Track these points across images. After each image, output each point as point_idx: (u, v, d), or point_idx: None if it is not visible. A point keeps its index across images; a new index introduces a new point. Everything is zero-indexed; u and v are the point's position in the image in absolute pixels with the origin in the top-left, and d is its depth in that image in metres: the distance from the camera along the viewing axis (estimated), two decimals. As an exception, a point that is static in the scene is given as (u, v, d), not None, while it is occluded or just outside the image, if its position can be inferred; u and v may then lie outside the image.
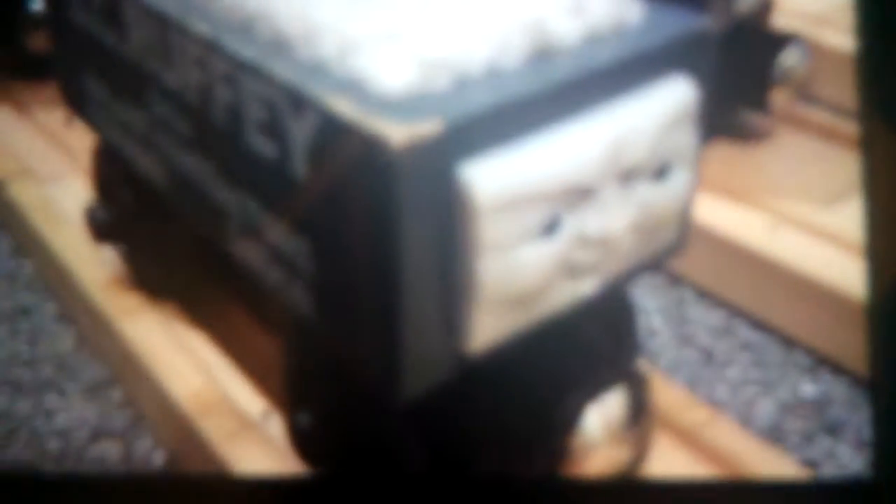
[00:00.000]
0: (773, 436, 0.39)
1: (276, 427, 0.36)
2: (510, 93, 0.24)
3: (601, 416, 0.29)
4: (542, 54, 0.26)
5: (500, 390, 0.29)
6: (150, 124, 0.34)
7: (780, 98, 0.51)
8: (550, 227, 0.25)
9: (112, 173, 0.41)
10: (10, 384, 0.44)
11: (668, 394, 0.38)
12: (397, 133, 0.22)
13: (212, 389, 0.39)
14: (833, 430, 0.40)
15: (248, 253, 0.30)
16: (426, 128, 0.23)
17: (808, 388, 0.42)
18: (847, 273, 0.42)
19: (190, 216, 0.34)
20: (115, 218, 0.42)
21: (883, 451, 0.32)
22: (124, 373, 0.43)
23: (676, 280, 0.48)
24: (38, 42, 0.59)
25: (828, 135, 0.53)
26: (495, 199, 0.24)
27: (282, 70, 0.26)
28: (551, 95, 0.25)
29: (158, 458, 0.39)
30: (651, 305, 0.46)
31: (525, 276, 0.25)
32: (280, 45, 0.27)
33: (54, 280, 0.49)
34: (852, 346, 0.39)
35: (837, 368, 0.42)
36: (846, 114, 0.54)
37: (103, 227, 0.42)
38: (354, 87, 0.24)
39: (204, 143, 0.31)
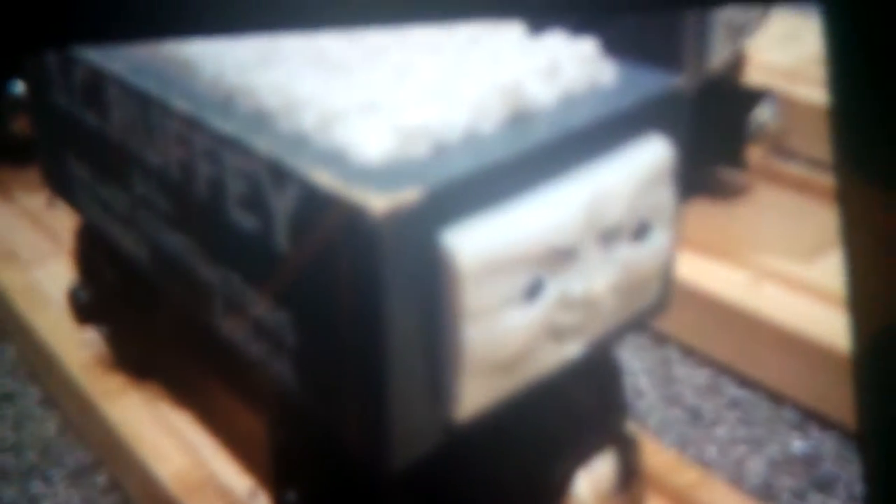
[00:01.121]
0: (765, 494, 0.39)
1: (263, 504, 0.35)
2: (489, 157, 0.24)
3: (591, 481, 0.28)
4: (519, 118, 0.26)
5: (489, 457, 0.28)
6: (132, 203, 0.34)
7: (755, 153, 0.51)
8: (533, 291, 0.25)
9: (95, 254, 0.41)
10: (-6, 471, 0.43)
11: (657, 456, 0.38)
12: (378, 201, 0.22)
13: (198, 469, 0.38)
14: (824, 486, 0.39)
15: (232, 328, 0.30)
16: (406, 195, 0.23)
17: (798, 444, 0.41)
18: (831, 326, 0.42)
19: (173, 294, 0.34)
20: (98, 298, 0.42)
21: (876, 505, 0.32)
22: (109, 456, 0.42)
23: (661, 339, 0.48)
24: (20, 125, 0.59)
25: (805, 188, 0.54)
26: (478, 264, 0.24)
27: (262, 143, 0.26)
28: (529, 158, 0.25)
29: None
30: (637, 366, 0.46)
31: (510, 340, 0.25)
32: (261, 119, 0.27)
33: (38, 364, 0.48)
34: (840, 400, 0.39)
35: (826, 423, 0.42)
36: (822, 167, 0.54)
37: (86, 308, 0.42)
38: (335, 158, 0.24)
39: (186, 219, 0.30)
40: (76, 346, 0.45)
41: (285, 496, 0.32)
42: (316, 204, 0.24)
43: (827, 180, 0.49)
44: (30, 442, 0.44)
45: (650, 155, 0.27)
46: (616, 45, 0.29)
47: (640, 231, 0.27)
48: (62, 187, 0.40)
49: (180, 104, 0.29)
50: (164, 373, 0.43)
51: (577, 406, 0.30)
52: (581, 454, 0.28)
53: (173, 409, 0.41)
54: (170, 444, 0.39)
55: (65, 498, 0.41)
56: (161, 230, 0.32)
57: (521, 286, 0.25)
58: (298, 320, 0.26)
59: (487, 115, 0.26)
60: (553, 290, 0.25)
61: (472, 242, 0.24)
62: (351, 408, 0.25)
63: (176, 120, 0.29)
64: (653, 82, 0.28)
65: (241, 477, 0.37)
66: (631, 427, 0.32)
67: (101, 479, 0.42)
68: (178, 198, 0.30)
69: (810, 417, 0.43)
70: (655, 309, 0.30)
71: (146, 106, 0.30)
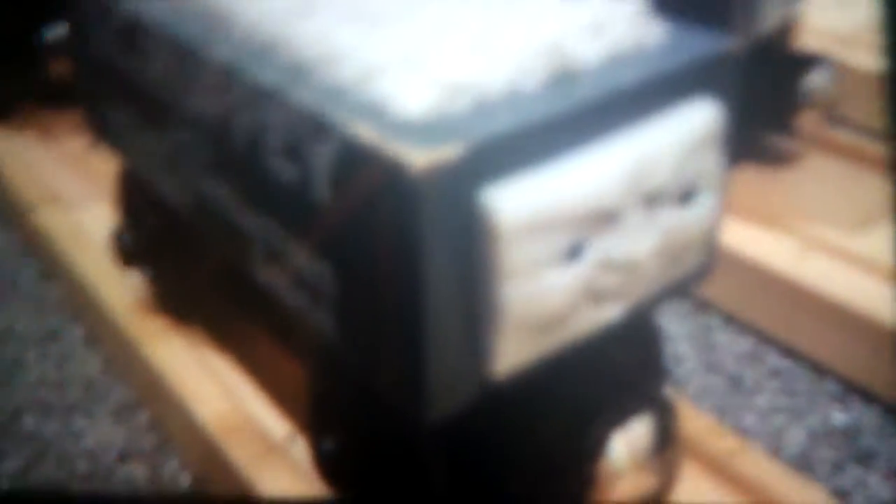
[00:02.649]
0: (803, 465, 0.39)
1: (301, 450, 0.36)
2: (531, 115, 0.24)
3: (628, 444, 0.28)
4: (563, 76, 0.26)
5: (526, 416, 0.28)
6: (172, 150, 0.34)
7: (806, 120, 0.50)
8: (574, 252, 0.25)
9: (137, 198, 0.41)
10: (40, 406, 0.44)
11: (695, 422, 0.38)
12: (418, 157, 0.22)
13: (237, 413, 0.39)
14: (864, 459, 0.39)
15: (272, 277, 0.30)
16: (447, 151, 0.22)
17: (839, 417, 0.41)
18: (878, 299, 0.41)
19: (213, 241, 0.34)
20: (141, 242, 0.42)
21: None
22: (151, 395, 0.43)
23: (703, 306, 0.47)
24: (61, 69, 0.59)
25: (856, 157, 0.52)
26: (518, 223, 0.23)
27: (301, 96, 0.25)
28: (573, 118, 0.24)
29: (185, 480, 0.39)
30: (677, 331, 0.46)
31: (549, 301, 0.25)
32: (299, 70, 0.27)
33: (81, 304, 0.49)
34: (883, 374, 0.38)
35: (868, 396, 0.41)
36: (875, 135, 0.53)
37: (129, 251, 0.42)
38: (374, 112, 0.24)
39: (226, 167, 0.30)
40: (119, 288, 0.45)
41: (323, 443, 0.32)
42: (355, 157, 0.24)
43: (880, 150, 0.48)
44: (73, 379, 0.45)
45: (697, 118, 0.27)
46: (664, 5, 0.28)
47: (686, 196, 0.27)
48: (103, 132, 0.40)
49: (218, 53, 0.29)
50: (205, 317, 0.43)
51: (616, 369, 0.30)
52: (618, 417, 0.28)
53: (214, 353, 0.42)
54: (210, 387, 0.40)
55: (107, 434, 0.42)
56: (201, 177, 0.32)
57: (561, 247, 0.24)
58: (338, 272, 0.26)
59: (530, 72, 0.25)
60: (594, 252, 0.25)
61: (513, 201, 0.23)
62: (389, 360, 0.25)
63: (214, 69, 0.29)
64: (701, 44, 0.27)
65: (279, 421, 0.38)
66: (670, 392, 0.32)
67: (142, 417, 0.43)
68: (217, 146, 0.30)
69: (852, 390, 0.42)
70: (699, 275, 0.29)
71: (184, 54, 0.30)
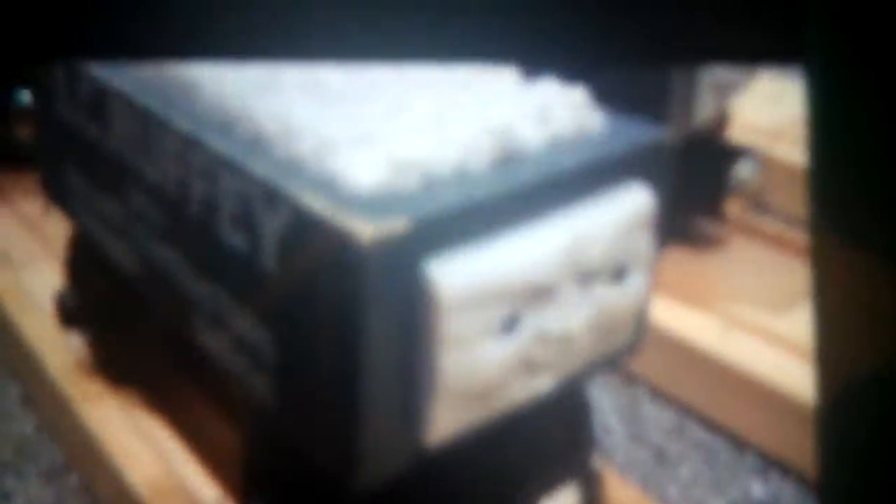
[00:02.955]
0: (724, 537, 0.39)
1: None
2: (476, 194, 0.25)
3: (556, 513, 0.28)
4: (508, 158, 0.27)
5: (455, 483, 0.28)
6: (126, 215, 0.34)
7: (733, 207, 0.53)
8: (510, 325, 0.25)
9: (85, 261, 0.41)
10: (-32, 466, 0.42)
11: (620, 492, 0.38)
12: (366, 229, 0.23)
13: (168, 476, 0.38)
14: (783, 532, 0.40)
15: (214, 342, 0.30)
16: (394, 225, 0.23)
17: (758, 490, 0.42)
18: (797, 377, 0.42)
19: (159, 305, 0.34)
20: (85, 305, 0.42)
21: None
22: (83, 458, 0.42)
23: (631, 379, 0.48)
24: (24, 133, 0.60)
25: (779, 243, 0.55)
26: (459, 295, 0.24)
27: (258, 166, 0.26)
28: (515, 198, 0.25)
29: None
30: (606, 404, 0.46)
31: (484, 371, 0.25)
32: (257, 143, 0.28)
33: (20, 364, 0.48)
34: (801, 449, 0.39)
35: (786, 470, 0.42)
36: (797, 223, 0.55)
37: (72, 312, 0.42)
38: (327, 185, 0.25)
39: (178, 234, 0.31)
40: (59, 349, 0.45)
41: (254, 508, 0.32)
42: (305, 227, 0.24)
43: (802, 237, 0.50)
44: (6, 438, 0.44)
45: (632, 202, 0.28)
46: (606, 96, 0.30)
47: (618, 274, 0.28)
48: (59, 195, 0.40)
49: (181, 123, 0.29)
50: (142, 381, 0.43)
51: (546, 439, 0.30)
52: (547, 486, 0.28)
53: (148, 417, 0.41)
54: (143, 451, 0.39)
55: (37, 495, 0.41)
56: (152, 243, 0.32)
57: (499, 319, 0.25)
58: (279, 338, 0.27)
59: (477, 153, 0.26)
60: (530, 325, 0.26)
61: (455, 274, 0.24)
62: (325, 425, 0.26)
63: (175, 138, 0.29)
64: (639, 132, 0.29)
65: (210, 486, 0.38)
66: (597, 462, 0.32)
67: (73, 479, 0.42)
68: (171, 213, 0.31)
69: (771, 464, 0.43)
70: (628, 350, 0.30)
71: (147, 123, 0.31)
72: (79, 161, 0.37)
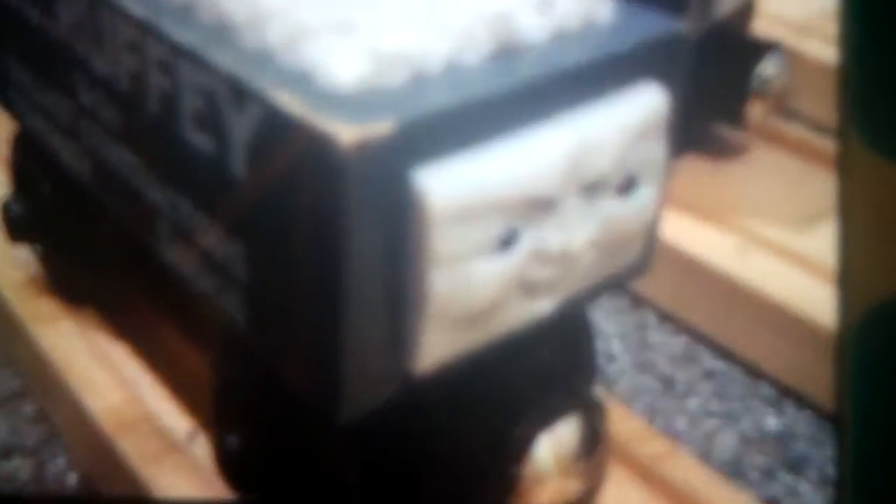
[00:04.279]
0: (733, 471, 0.40)
1: (202, 449, 0.36)
2: (470, 93, 0.24)
3: (554, 445, 0.29)
4: (506, 51, 0.26)
5: (447, 414, 0.29)
6: (75, 113, 0.33)
7: (756, 111, 0.51)
8: (507, 241, 0.25)
9: (32, 164, 0.41)
10: (-88, 394, 0.43)
11: (624, 424, 0.38)
12: (347, 132, 0.22)
13: (133, 406, 0.38)
14: (795, 466, 0.40)
15: (179, 256, 0.30)
16: (378, 127, 0.22)
17: (772, 422, 0.42)
18: (818, 301, 0.42)
19: (116, 214, 0.34)
20: (34, 214, 0.41)
21: (846, 490, 0.33)
22: (38, 384, 0.42)
23: (638, 303, 0.48)
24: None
25: (805, 153, 0.54)
26: (450, 207, 0.24)
27: (223, 58, 0.25)
28: (514, 97, 0.25)
29: (73, 479, 0.39)
30: (611, 329, 0.47)
31: (479, 291, 0.25)
32: (223, 32, 0.26)
33: (-36, 281, 0.48)
34: (818, 379, 0.39)
35: (802, 401, 0.43)
36: (825, 131, 0.55)
37: (20, 223, 0.42)
38: (302, 80, 0.24)
39: (134, 135, 0.30)
40: (7, 266, 0.44)
41: (226, 440, 0.32)
42: (278, 128, 0.24)
43: (830, 146, 0.50)
44: (-48, 364, 0.44)
45: (644, 104, 0.27)
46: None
47: (627, 185, 0.27)
48: (1, 91, 0.39)
49: (134, 8, 0.28)
50: (101, 300, 0.42)
51: (544, 366, 0.30)
52: (545, 416, 0.28)
53: (109, 340, 0.41)
54: (104, 377, 0.39)
55: (-12, 426, 0.41)
56: (106, 144, 0.32)
57: (494, 235, 0.25)
58: (252, 253, 0.26)
59: (472, 45, 0.25)
60: (528, 241, 0.25)
61: (446, 183, 0.23)
62: (303, 351, 0.25)
63: (128, 25, 0.28)
64: (653, 25, 0.28)
65: (179, 417, 0.38)
66: (599, 392, 0.32)
67: (28, 407, 0.42)
68: (126, 110, 0.30)
69: (786, 394, 0.43)
70: (636, 270, 0.30)
71: (96, 7, 0.30)
72: (20, 51, 0.36)
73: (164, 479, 0.35)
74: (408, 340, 0.25)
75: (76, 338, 0.41)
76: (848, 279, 0.25)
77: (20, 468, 0.39)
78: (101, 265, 0.41)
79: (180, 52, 0.26)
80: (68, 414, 0.40)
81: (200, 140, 0.27)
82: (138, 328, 0.42)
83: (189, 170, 0.28)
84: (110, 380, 0.40)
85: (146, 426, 0.37)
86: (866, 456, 0.31)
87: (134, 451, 0.37)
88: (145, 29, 0.28)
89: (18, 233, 0.42)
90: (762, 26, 0.55)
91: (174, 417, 0.38)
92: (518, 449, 0.28)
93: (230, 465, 0.32)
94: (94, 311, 0.42)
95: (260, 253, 0.26)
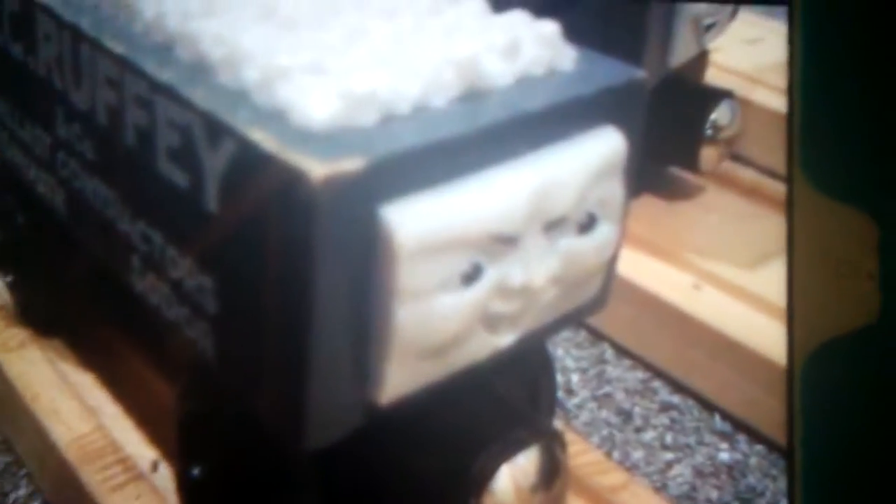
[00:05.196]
0: (688, 502, 0.40)
1: (165, 479, 0.35)
2: (438, 133, 0.24)
3: (513, 477, 0.29)
4: (473, 95, 0.26)
5: (409, 445, 0.29)
6: (52, 145, 0.33)
7: (709, 155, 0.52)
8: (471, 276, 0.25)
9: (6, 194, 0.40)
10: None
11: (583, 456, 0.39)
12: (317, 167, 0.22)
13: (98, 435, 0.38)
14: (747, 499, 0.41)
15: (149, 287, 0.29)
16: (348, 164, 0.23)
17: (725, 455, 0.43)
18: (768, 336, 0.43)
19: (88, 246, 0.33)
20: (6, 242, 0.41)
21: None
22: (3, 413, 0.41)
23: (597, 337, 0.49)
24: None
25: (756, 195, 0.55)
26: (417, 242, 0.24)
27: (199, 95, 0.26)
28: (480, 138, 0.25)
29: (36, 508, 0.38)
30: (570, 363, 0.47)
31: (443, 325, 0.25)
32: (200, 70, 0.27)
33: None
34: (770, 412, 0.40)
35: (755, 435, 0.43)
36: (774, 175, 0.56)
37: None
38: (275, 118, 0.24)
39: (110, 168, 0.30)
40: (-25, 293, 0.44)
41: (190, 471, 0.32)
42: (251, 164, 0.24)
43: (779, 189, 0.51)
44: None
45: (603, 147, 0.28)
46: (578, 32, 0.29)
47: (587, 224, 0.28)
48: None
49: (114, 45, 0.28)
50: (69, 329, 0.42)
51: (505, 399, 0.31)
52: (505, 448, 0.29)
53: (76, 369, 0.41)
54: (70, 406, 0.39)
55: (-51, 455, 0.40)
56: (82, 177, 0.32)
57: (459, 270, 0.25)
58: (222, 286, 0.26)
59: (440, 88, 0.26)
60: (491, 276, 0.26)
61: (413, 220, 0.24)
62: (269, 382, 0.25)
63: (108, 61, 0.29)
64: (613, 72, 0.29)
65: (144, 447, 0.37)
66: (559, 425, 0.33)
67: (-8, 436, 0.42)
68: (102, 144, 0.30)
69: (739, 428, 0.44)
70: (595, 305, 0.30)
71: (77, 43, 0.30)
72: (1, 83, 0.36)
73: (128, 508, 0.35)
74: (373, 372, 0.25)
75: (43, 366, 0.41)
76: (795, 317, 0.25)
77: (-18, 497, 0.39)
78: (71, 295, 0.41)
79: (158, 88, 0.27)
80: (33, 442, 0.39)
81: (174, 174, 0.27)
82: (105, 358, 0.41)
83: (162, 203, 0.28)
84: (76, 409, 0.39)
85: (111, 456, 0.37)
86: (815, 488, 0.31)
87: (98, 480, 0.36)
88: (124, 65, 0.28)
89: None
90: (714, 76, 0.57)
91: (139, 447, 0.37)
92: (478, 480, 0.28)
93: (193, 495, 0.32)
94: (62, 340, 0.42)
95: (229, 285, 0.26)
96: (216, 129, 0.25)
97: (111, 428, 0.38)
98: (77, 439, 0.38)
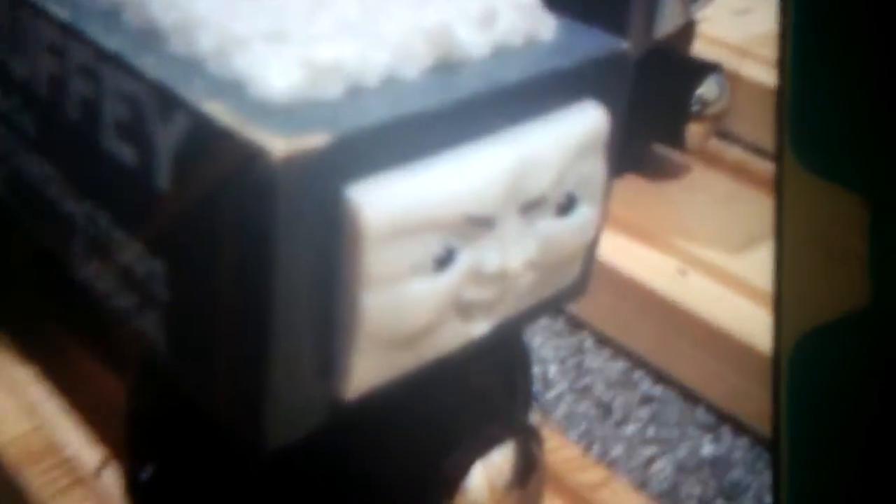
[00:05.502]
0: (670, 499, 0.41)
1: (112, 481, 0.35)
2: (408, 107, 0.24)
3: (488, 474, 0.29)
4: (445, 66, 0.26)
5: (378, 441, 0.29)
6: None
7: (696, 133, 0.53)
8: (443, 261, 0.25)
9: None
10: None
11: (560, 451, 0.39)
12: (278, 144, 0.22)
13: (39, 436, 0.38)
14: (732, 495, 0.41)
15: (95, 273, 0.29)
16: (311, 140, 0.22)
17: (708, 448, 0.43)
18: (756, 324, 0.43)
19: (28, 227, 0.33)
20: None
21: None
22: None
23: (576, 325, 0.49)
24: None
25: (744, 174, 0.55)
26: (385, 224, 0.24)
27: (150, 65, 0.25)
28: (453, 112, 0.25)
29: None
30: (548, 353, 0.47)
31: (413, 313, 0.25)
32: (151, 37, 0.26)
33: None
34: (756, 403, 0.40)
35: (739, 427, 0.44)
36: (763, 153, 0.56)
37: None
38: (233, 90, 0.24)
39: (52, 145, 0.30)
40: None
41: (140, 472, 0.31)
42: (205, 139, 0.23)
43: (768, 168, 0.51)
44: None
45: (585, 122, 0.28)
46: (559, 1, 0.29)
47: (566, 205, 0.28)
48: None
49: (55, 9, 0.28)
50: (6, 320, 0.42)
51: (480, 392, 0.31)
52: (479, 445, 0.29)
53: (14, 365, 0.40)
54: (8, 404, 0.39)
55: None
56: (21, 154, 0.31)
57: (430, 254, 0.25)
58: (174, 271, 0.26)
59: (411, 58, 0.25)
60: (465, 261, 0.26)
61: (381, 200, 0.23)
62: (226, 376, 0.25)
63: (50, 27, 0.28)
64: (595, 43, 0.28)
65: (90, 447, 0.37)
66: (535, 419, 0.33)
67: (-78, 437, 0.41)
68: (44, 118, 0.30)
69: (723, 420, 0.44)
70: (574, 292, 0.30)
71: (16, 9, 0.29)
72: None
73: (72, 513, 0.35)
74: (338, 364, 0.25)
75: (-23, 361, 0.40)
76: (782, 303, 0.25)
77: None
78: (8, 282, 0.40)
79: (104, 56, 0.26)
80: (-32, 443, 0.39)
81: (122, 151, 0.26)
82: (47, 351, 0.41)
83: (109, 182, 0.27)
84: (15, 407, 0.39)
85: (53, 457, 0.37)
86: (800, 482, 0.32)
87: (39, 484, 0.36)
88: (68, 32, 0.27)
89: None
90: (702, 48, 0.57)
91: (83, 447, 0.37)
92: (451, 478, 0.28)
93: (142, 498, 0.32)
94: (-1, 332, 0.42)
95: (182, 271, 0.26)
96: (167, 102, 0.24)
97: (52, 427, 0.38)
98: (15, 440, 0.37)
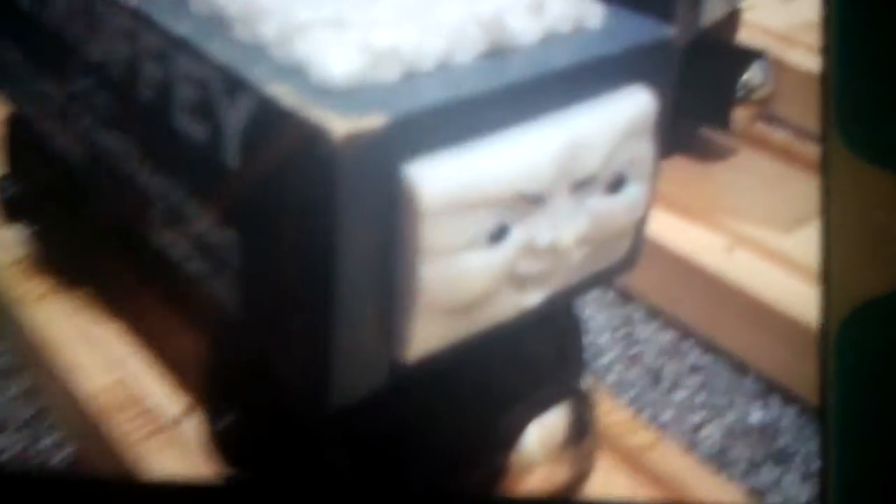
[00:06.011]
0: (719, 463, 0.40)
1: (191, 429, 0.36)
2: (463, 90, 0.24)
3: (542, 434, 0.29)
4: (498, 52, 0.26)
5: (436, 402, 0.29)
6: (69, 98, 0.33)
7: (742, 116, 0.52)
8: (497, 235, 0.25)
9: (24, 146, 0.41)
10: None
11: (612, 415, 0.39)
12: (339, 125, 0.22)
13: (122, 387, 0.38)
14: (780, 459, 0.41)
15: (171, 241, 0.30)
16: (371, 121, 0.23)
17: (757, 415, 0.43)
18: (802, 299, 0.43)
19: (108, 199, 0.34)
20: (28, 195, 0.41)
21: (829, 482, 0.33)
22: (28, 362, 0.42)
23: (627, 298, 0.49)
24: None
25: (789, 156, 0.54)
26: (441, 201, 0.24)
27: (217, 50, 0.26)
28: (506, 96, 0.25)
29: (62, 458, 0.39)
30: (600, 323, 0.47)
31: (468, 284, 0.25)
32: (217, 24, 0.27)
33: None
34: (803, 374, 0.40)
35: (788, 396, 0.43)
36: (808, 136, 0.55)
37: (13, 204, 0.42)
38: (295, 74, 0.24)
39: (128, 122, 0.30)
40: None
41: (217, 423, 0.32)
42: (271, 120, 0.24)
43: (813, 150, 0.50)
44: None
45: (633, 106, 0.28)
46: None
47: (616, 184, 0.28)
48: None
49: None
50: (92, 281, 0.42)
51: (533, 358, 0.31)
52: (534, 406, 0.29)
53: (99, 321, 0.41)
54: (93, 358, 0.39)
55: (-25, 405, 0.41)
56: (100, 130, 0.32)
57: (484, 229, 0.25)
58: (244, 240, 0.26)
59: (465, 44, 0.26)
60: (518, 236, 0.26)
61: (438, 178, 0.24)
62: (294, 339, 0.26)
63: (123, 14, 0.29)
64: (643, 31, 0.28)
65: (169, 398, 0.38)
66: (588, 384, 0.33)
67: (15, 388, 0.42)
68: (120, 98, 0.30)
69: (772, 389, 0.44)
70: (624, 266, 0.30)
71: None
72: (15, 36, 0.36)
73: (154, 459, 0.35)
74: (398, 330, 0.25)
75: (66, 317, 0.41)
76: (831, 279, 0.25)
77: (10, 444, 0.39)
78: (93, 246, 0.41)
79: (174, 42, 0.27)
80: (57, 394, 0.40)
81: (193, 129, 0.27)
82: (129, 309, 0.42)
83: (182, 158, 0.28)
84: (99, 361, 0.39)
85: (135, 407, 0.37)
86: (849, 449, 0.32)
87: (123, 431, 0.36)
88: (139, 18, 0.28)
89: (12, 213, 0.42)
90: (747, 35, 0.56)
91: (164, 398, 0.38)
92: (506, 437, 0.28)
93: (220, 444, 0.32)
94: (85, 291, 0.42)
95: (252, 241, 0.26)
96: (234, 85, 0.25)
97: (136, 379, 0.39)
98: (100, 392, 0.38)
